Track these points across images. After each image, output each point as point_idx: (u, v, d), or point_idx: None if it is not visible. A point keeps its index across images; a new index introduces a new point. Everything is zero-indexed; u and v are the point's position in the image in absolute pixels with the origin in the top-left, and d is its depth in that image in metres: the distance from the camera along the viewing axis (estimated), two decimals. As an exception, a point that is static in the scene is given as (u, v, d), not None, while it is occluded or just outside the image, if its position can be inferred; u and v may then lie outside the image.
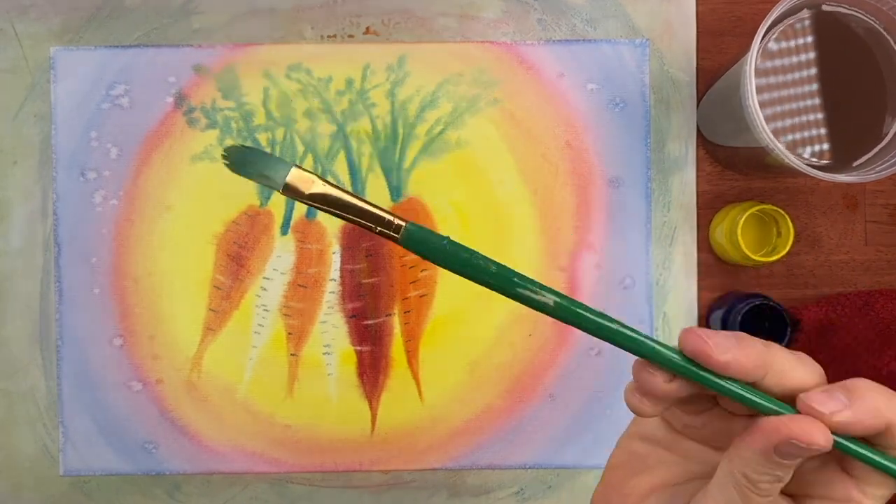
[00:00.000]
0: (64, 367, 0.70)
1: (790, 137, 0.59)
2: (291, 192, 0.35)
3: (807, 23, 0.60)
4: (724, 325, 0.67)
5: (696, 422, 0.38)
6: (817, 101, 0.60)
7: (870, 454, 0.34)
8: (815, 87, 0.60)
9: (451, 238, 0.34)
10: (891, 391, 0.34)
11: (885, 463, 0.34)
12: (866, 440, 0.34)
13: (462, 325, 0.70)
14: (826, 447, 0.33)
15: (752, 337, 0.35)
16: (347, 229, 0.70)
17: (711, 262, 0.71)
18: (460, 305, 0.70)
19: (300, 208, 0.70)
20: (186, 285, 0.70)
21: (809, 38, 0.60)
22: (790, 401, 0.35)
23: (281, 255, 0.70)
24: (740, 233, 0.66)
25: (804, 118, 0.60)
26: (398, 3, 0.71)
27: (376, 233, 0.35)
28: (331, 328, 0.70)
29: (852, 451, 0.34)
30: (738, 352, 0.34)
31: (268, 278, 0.70)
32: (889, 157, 0.58)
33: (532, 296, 0.35)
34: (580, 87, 0.71)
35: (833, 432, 0.33)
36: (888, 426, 0.33)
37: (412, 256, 0.70)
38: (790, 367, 0.35)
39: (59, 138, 0.70)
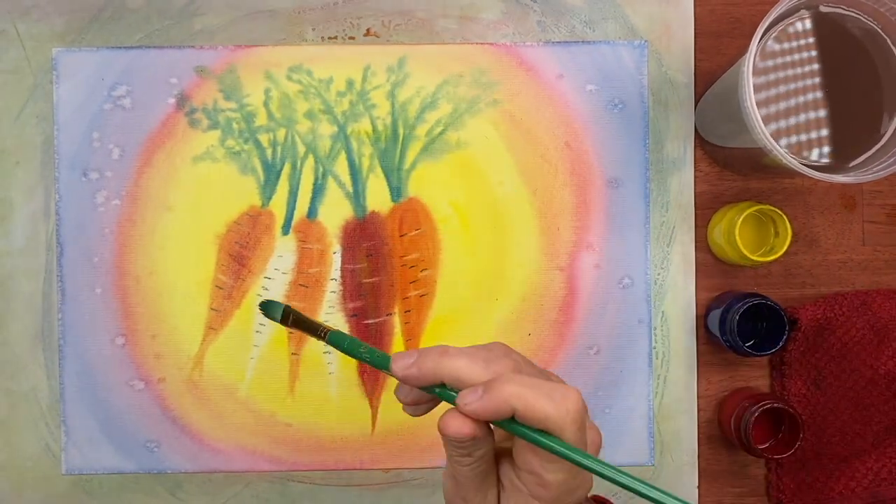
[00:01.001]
0: (66, 367, 0.70)
1: (788, 138, 0.60)
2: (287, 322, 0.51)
3: (805, 24, 0.60)
4: (722, 325, 0.67)
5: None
6: (815, 101, 0.60)
7: (529, 433, 0.40)
8: (813, 87, 0.60)
9: (334, 331, 0.49)
10: (532, 383, 0.40)
11: (538, 438, 0.40)
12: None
13: (462, 325, 0.71)
14: (455, 434, 0.41)
15: (432, 349, 0.43)
16: (348, 230, 0.71)
17: (709, 261, 0.72)
18: (460, 305, 0.71)
19: (301, 209, 0.71)
20: (188, 285, 0.71)
21: (807, 40, 0.60)
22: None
23: (282, 255, 0.71)
24: (738, 233, 0.66)
25: (802, 119, 0.60)
26: (398, 5, 0.71)
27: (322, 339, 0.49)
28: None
29: (516, 431, 0.41)
30: (416, 367, 0.42)
31: (269, 278, 0.70)
32: (887, 157, 0.59)
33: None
34: (579, 88, 0.71)
35: (513, 419, 0.40)
36: (514, 411, 0.40)
37: (412, 256, 0.71)
38: (462, 371, 0.42)
39: (61, 139, 0.70)
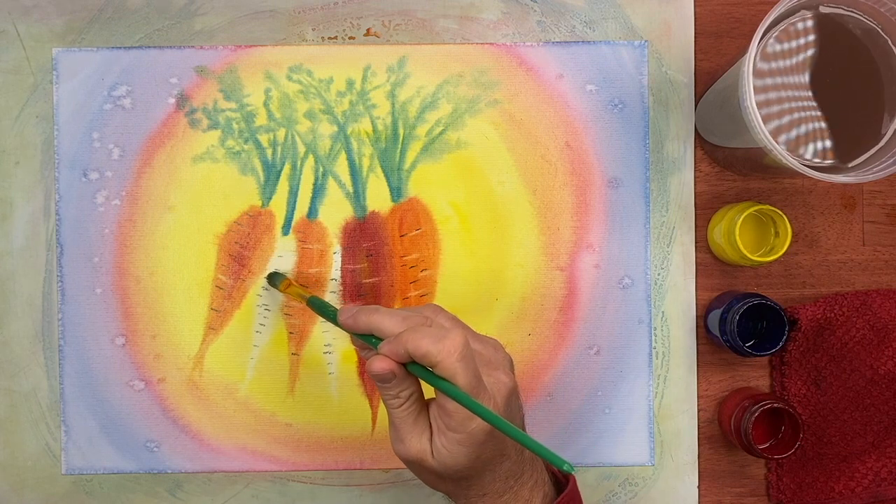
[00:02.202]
0: (66, 367, 0.70)
1: (788, 138, 0.60)
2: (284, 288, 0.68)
3: (805, 24, 0.60)
4: (722, 325, 0.67)
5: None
6: (815, 101, 0.60)
7: (422, 371, 0.52)
8: (813, 87, 0.60)
9: (315, 297, 0.64)
10: (423, 330, 0.51)
11: (423, 371, 0.52)
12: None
13: (462, 325, 0.71)
14: (377, 370, 0.52)
15: (369, 307, 0.55)
16: (348, 230, 0.71)
17: (710, 261, 0.72)
18: (460, 305, 0.71)
19: (301, 209, 0.71)
20: (188, 285, 0.71)
21: (807, 40, 0.60)
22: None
23: (282, 255, 0.71)
24: (738, 233, 0.66)
25: (802, 119, 0.60)
26: (399, 5, 0.71)
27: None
28: (332, 327, 0.70)
29: (417, 372, 0.52)
30: (352, 318, 0.56)
31: (269, 278, 0.70)
32: (887, 157, 0.59)
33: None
34: (579, 88, 0.71)
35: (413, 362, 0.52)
36: (409, 352, 0.51)
37: (412, 256, 0.71)
38: (382, 325, 0.54)
39: (62, 139, 0.70)
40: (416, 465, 0.55)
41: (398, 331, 0.53)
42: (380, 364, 0.52)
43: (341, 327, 0.57)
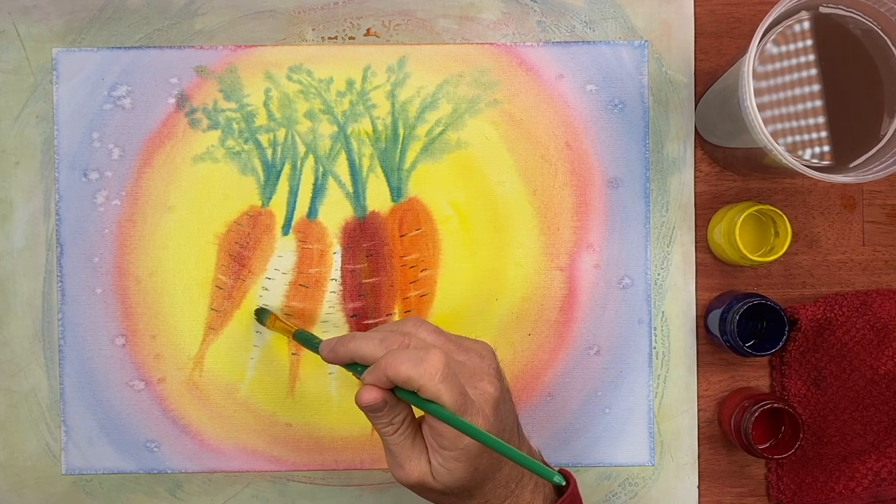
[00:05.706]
0: (66, 367, 0.70)
1: (788, 138, 0.60)
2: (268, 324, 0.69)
3: (805, 24, 0.60)
4: (722, 325, 0.67)
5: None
6: (815, 102, 0.60)
7: (407, 395, 0.51)
8: (813, 88, 0.60)
9: (301, 330, 0.65)
10: (402, 354, 0.50)
11: (405, 394, 0.51)
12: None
13: (462, 325, 0.71)
14: (365, 401, 0.51)
15: (346, 335, 0.54)
16: (348, 230, 0.71)
17: (710, 261, 0.72)
18: (460, 305, 0.71)
19: (301, 209, 0.71)
20: (188, 285, 0.71)
21: (807, 40, 0.60)
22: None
23: (282, 255, 0.71)
24: (738, 233, 0.66)
25: (802, 119, 0.60)
26: (399, 5, 0.71)
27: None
28: (332, 327, 0.70)
29: (403, 396, 0.51)
30: (332, 351, 0.55)
31: (269, 278, 0.70)
32: (887, 157, 0.59)
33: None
34: (579, 88, 0.71)
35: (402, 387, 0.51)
36: (392, 380, 0.50)
37: (412, 256, 0.71)
38: (361, 351, 0.53)
39: (62, 139, 0.70)
40: (418, 488, 0.54)
41: (378, 355, 0.52)
42: (368, 395, 0.51)
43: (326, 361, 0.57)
